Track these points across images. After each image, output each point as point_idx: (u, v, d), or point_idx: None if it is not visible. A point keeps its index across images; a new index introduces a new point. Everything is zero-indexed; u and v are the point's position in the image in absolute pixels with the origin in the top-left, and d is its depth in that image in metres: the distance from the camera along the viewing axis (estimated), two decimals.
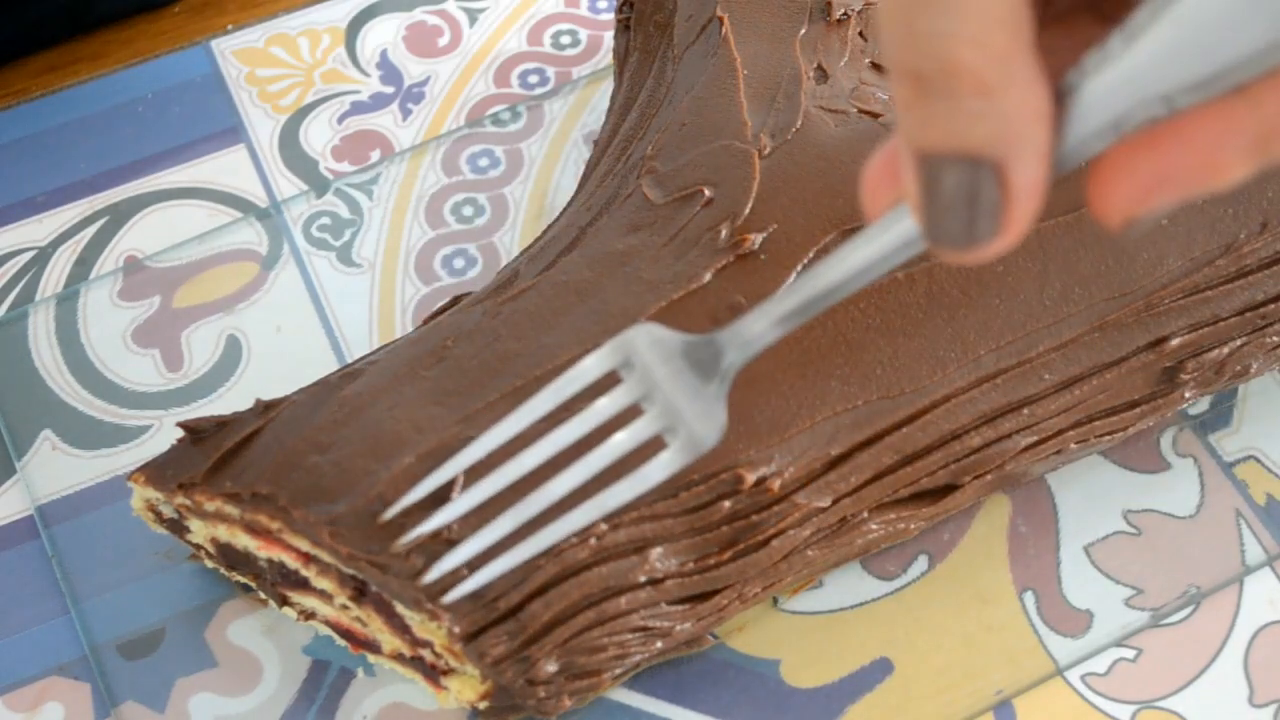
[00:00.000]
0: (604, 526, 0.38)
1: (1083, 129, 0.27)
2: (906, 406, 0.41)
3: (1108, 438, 0.44)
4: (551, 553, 0.38)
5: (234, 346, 0.50)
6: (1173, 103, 0.26)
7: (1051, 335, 0.42)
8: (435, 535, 0.38)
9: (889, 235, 0.31)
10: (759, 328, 0.35)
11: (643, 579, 0.39)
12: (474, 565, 0.38)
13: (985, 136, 0.27)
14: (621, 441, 0.37)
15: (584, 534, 0.38)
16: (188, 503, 0.41)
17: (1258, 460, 0.47)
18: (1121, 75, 0.26)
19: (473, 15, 0.58)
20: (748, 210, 0.42)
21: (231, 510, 0.40)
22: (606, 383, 0.37)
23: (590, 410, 0.37)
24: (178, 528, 0.43)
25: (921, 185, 0.28)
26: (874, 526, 0.42)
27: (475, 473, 0.38)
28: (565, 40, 0.58)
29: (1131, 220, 0.28)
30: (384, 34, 0.58)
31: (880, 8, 0.28)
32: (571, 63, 0.57)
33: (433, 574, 0.37)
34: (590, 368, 0.37)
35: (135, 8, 0.58)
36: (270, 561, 0.41)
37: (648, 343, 0.36)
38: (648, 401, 0.37)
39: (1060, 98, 0.27)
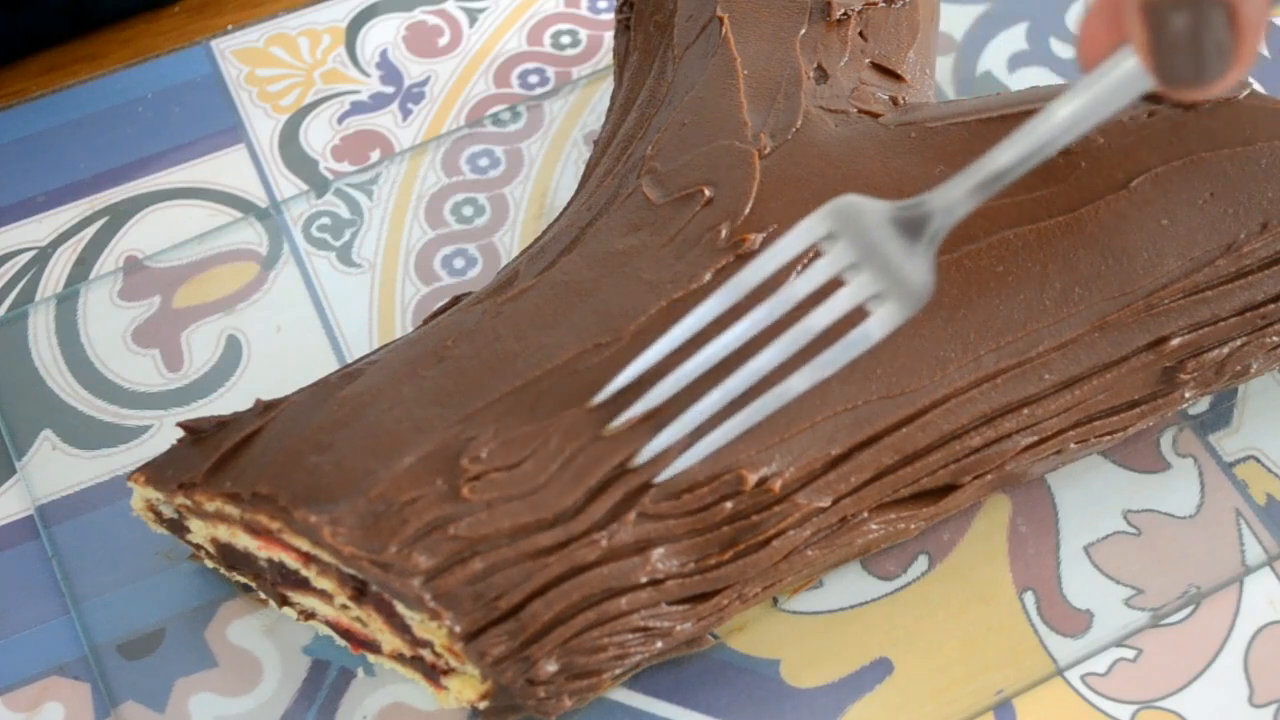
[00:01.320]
0: (610, 530, 0.39)
1: None
2: (906, 406, 0.41)
3: (1108, 438, 0.44)
4: (554, 551, 0.38)
5: (234, 346, 0.50)
6: None
7: (1051, 335, 0.42)
8: (433, 528, 0.38)
9: (1106, 81, 0.34)
10: (961, 191, 0.37)
11: (644, 579, 0.39)
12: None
13: None
14: (844, 298, 0.37)
15: (591, 539, 0.38)
16: (188, 503, 0.41)
17: (1258, 460, 0.47)
18: None
19: (473, 15, 0.58)
20: (748, 210, 0.42)
21: (232, 510, 0.40)
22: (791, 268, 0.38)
23: (807, 273, 0.38)
24: (178, 528, 0.43)
25: (1150, 28, 0.31)
26: (874, 526, 0.42)
27: (683, 352, 0.39)
28: (565, 40, 0.58)
29: None
30: (384, 34, 0.58)
31: None
32: (571, 63, 0.57)
33: (644, 455, 0.38)
34: (802, 234, 0.38)
35: (136, 7, 0.58)
36: (270, 561, 0.41)
37: (858, 210, 0.38)
38: (854, 270, 0.37)
39: None
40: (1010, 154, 0.36)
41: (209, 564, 0.44)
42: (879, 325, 0.38)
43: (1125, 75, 0.34)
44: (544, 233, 0.46)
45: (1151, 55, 0.32)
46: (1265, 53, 0.57)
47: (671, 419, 0.39)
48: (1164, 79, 0.32)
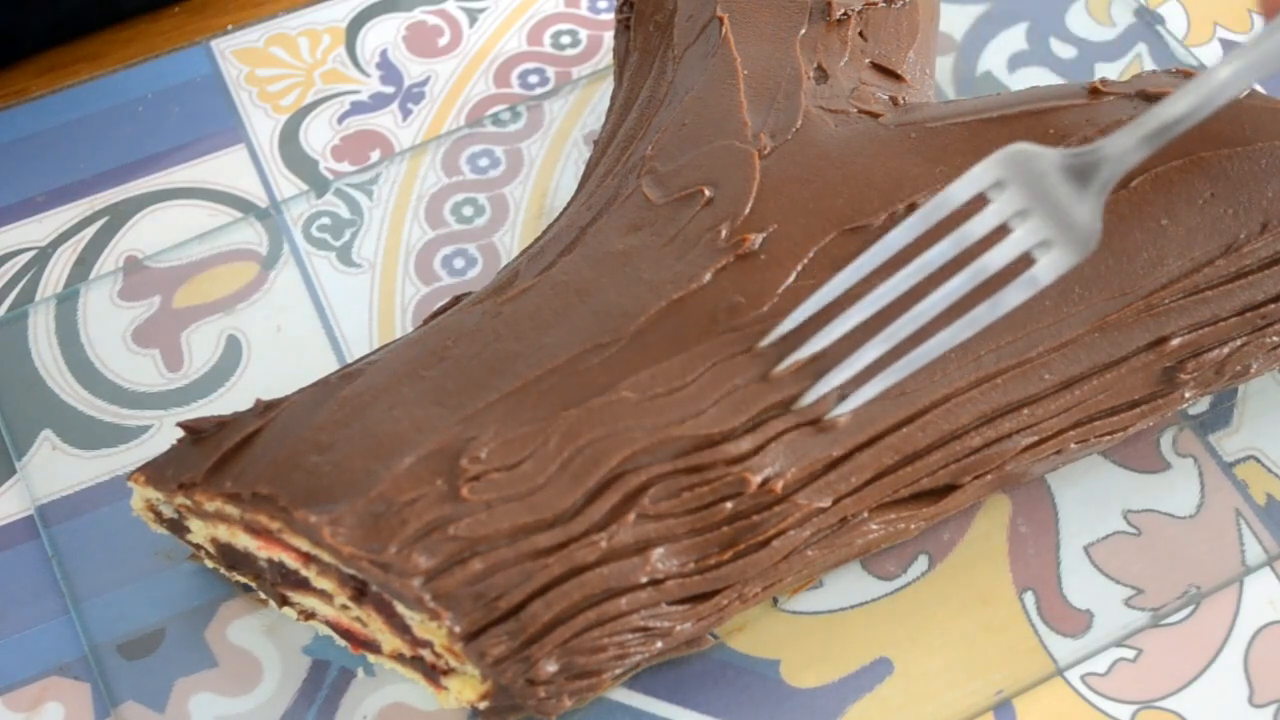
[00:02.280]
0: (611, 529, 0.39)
1: None
2: (906, 406, 0.41)
3: (1108, 438, 0.44)
4: (554, 552, 0.38)
5: (234, 346, 0.50)
6: None
7: (1051, 335, 0.42)
8: (433, 528, 0.38)
9: None
10: (1134, 139, 0.37)
11: (644, 579, 0.39)
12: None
13: None
14: (1012, 243, 0.38)
15: (590, 540, 0.38)
16: (188, 503, 0.41)
17: (1258, 460, 0.47)
18: None
19: (473, 15, 0.58)
20: (748, 210, 0.42)
21: (232, 510, 0.40)
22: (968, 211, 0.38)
23: (977, 218, 0.38)
24: (178, 528, 0.43)
25: None
26: (874, 526, 0.42)
27: (853, 295, 0.39)
28: (565, 40, 0.58)
29: None
30: (384, 34, 0.58)
31: None
32: (571, 63, 0.57)
33: (810, 396, 0.39)
34: (972, 181, 0.38)
35: (154, 2, 0.58)
36: (270, 561, 0.41)
37: (1028, 156, 0.38)
38: (1020, 218, 0.38)
39: None
40: (1184, 103, 0.37)
41: (209, 564, 0.44)
42: (1047, 270, 0.38)
43: None
44: (544, 233, 0.46)
45: None
46: None
47: (836, 363, 0.39)
48: None
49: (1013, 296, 0.38)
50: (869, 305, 0.39)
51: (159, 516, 0.43)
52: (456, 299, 0.45)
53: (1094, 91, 0.45)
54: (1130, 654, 0.43)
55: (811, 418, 0.40)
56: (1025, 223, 0.38)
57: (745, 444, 0.39)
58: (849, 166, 0.43)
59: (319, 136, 0.55)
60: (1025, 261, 0.38)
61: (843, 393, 0.40)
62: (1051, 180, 0.38)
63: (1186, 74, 0.45)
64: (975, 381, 0.41)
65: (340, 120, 0.55)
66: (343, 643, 0.43)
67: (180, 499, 0.41)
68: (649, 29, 0.50)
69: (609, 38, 0.57)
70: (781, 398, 0.40)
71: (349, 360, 0.49)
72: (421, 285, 0.51)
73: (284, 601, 0.43)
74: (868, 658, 0.43)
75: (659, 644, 0.40)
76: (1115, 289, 0.42)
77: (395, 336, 0.49)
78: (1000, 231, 0.38)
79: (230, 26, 0.58)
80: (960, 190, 0.38)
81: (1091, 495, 0.46)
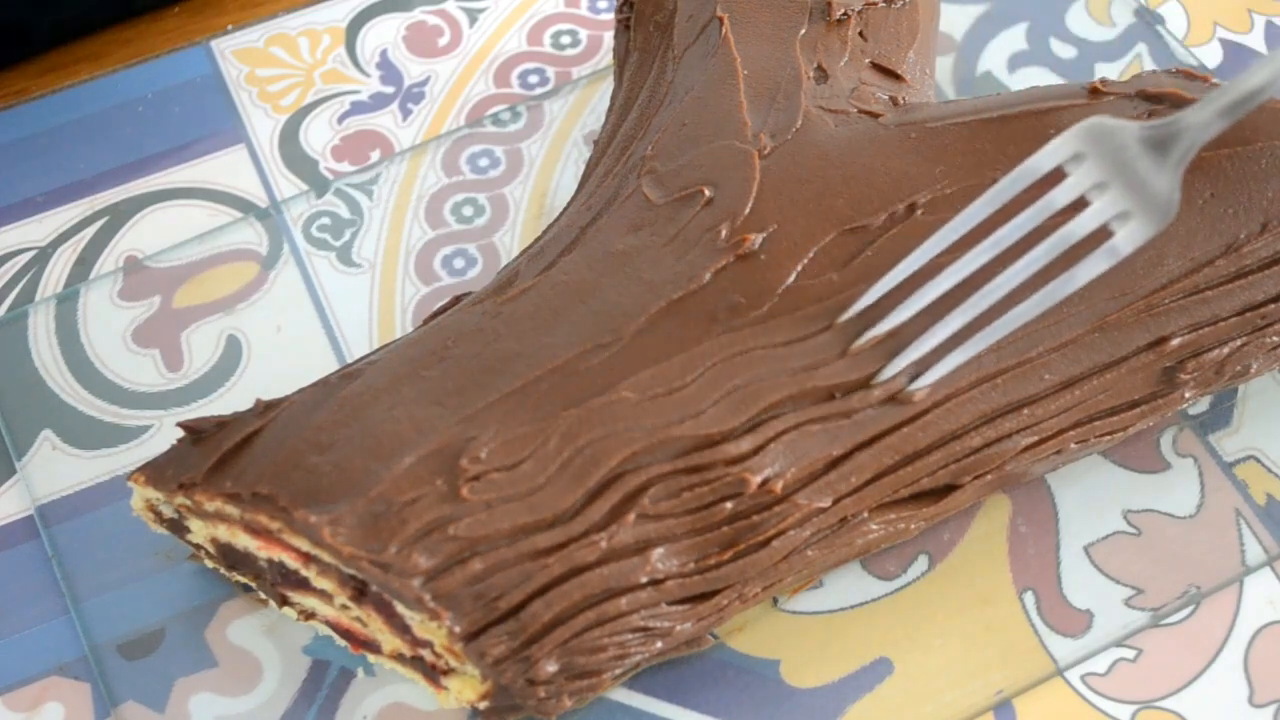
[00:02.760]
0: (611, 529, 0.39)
1: None
2: (907, 407, 0.41)
3: (1108, 438, 0.44)
4: (554, 552, 0.38)
5: (234, 346, 0.50)
6: None
7: (1051, 335, 0.42)
8: (433, 529, 0.38)
9: None
10: (1213, 111, 0.38)
11: (644, 579, 0.39)
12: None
13: None
14: (1091, 215, 0.38)
15: (590, 540, 0.38)
16: (188, 503, 0.41)
17: (1258, 460, 0.47)
18: None
19: (473, 15, 0.58)
20: (747, 210, 0.42)
21: (231, 510, 0.40)
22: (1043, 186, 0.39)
23: (1056, 190, 0.38)
24: (178, 528, 0.43)
25: None
26: (874, 526, 0.42)
27: (931, 269, 0.40)
28: (565, 40, 0.58)
29: None
30: (384, 34, 0.58)
31: None
32: (571, 63, 0.57)
33: (889, 371, 0.40)
34: (1050, 154, 0.38)
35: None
36: (270, 561, 0.41)
37: (1108, 130, 0.38)
38: (1099, 190, 0.38)
39: None
40: (1263, 74, 0.37)
41: (209, 564, 0.44)
42: (1126, 241, 0.38)
43: None
44: (544, 233, 0.46)
45: None
46: (1265, 53, 0.56)
47: (912, 338, 0.40)
48: None
49: (1092, 267, 0.38)
50: (946, 280, 0.39)
51: (159, 516, 0.43)
52: (456, 299, 0.45)
53: (1094, 91, 0.45)
54: (1130, 654, 0.43)
55: (890, 393, 0.40)
56: (1103, 195, 0.38)
57: (745, 444, 0.39)
58: (849, 166, 0.43)
59: (319, 136, 0.55)
60: (1101, 235, 0.38)
61: (918, 368, 0.40)
62: (1131, 152, 0.38)
63: (1187, 74, 0.45)
64: (975, 381, 0.41)
65: (340, 120, 0.55)
66: (343, 643, 0.43)
67: (180, 499, 0.41)
68: (649, 29, 0.50)
69: (609, 38, 0.57)
70: (861, 376, 0.40)
71: (349, 360, 0.49)
72: (421, 285, 0.51)
73: (284, 601, 0.43)
74: (868, 658, 0.43)
75: (659, 644, 0.40)
76: (1115, 289, 0.42)
77: (395, 336, 0.49)
78: (1077, 205, 0.38)
79: (230, 26, 0.58)
80: (1040, 162, 0.38)
81: (1091, 495, 0.46)
